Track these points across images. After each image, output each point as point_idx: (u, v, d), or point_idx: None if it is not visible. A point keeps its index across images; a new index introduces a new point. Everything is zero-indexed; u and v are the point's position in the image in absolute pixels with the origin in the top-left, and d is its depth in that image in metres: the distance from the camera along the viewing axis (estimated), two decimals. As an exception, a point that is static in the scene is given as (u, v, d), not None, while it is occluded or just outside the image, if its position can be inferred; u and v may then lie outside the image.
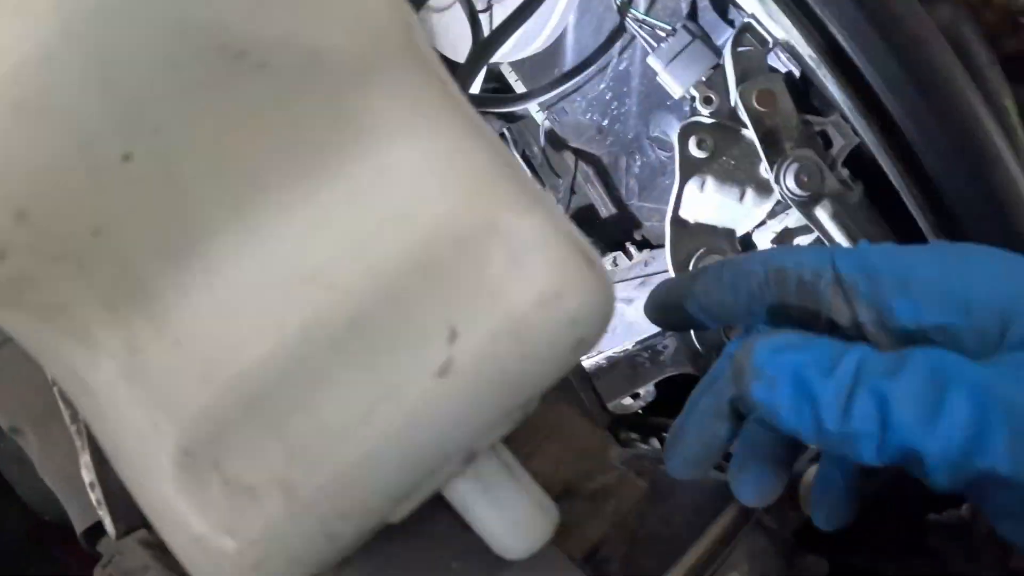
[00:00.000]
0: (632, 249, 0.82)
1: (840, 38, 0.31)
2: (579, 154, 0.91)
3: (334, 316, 0.15)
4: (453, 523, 0.20)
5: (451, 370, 0.15)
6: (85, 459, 0.30)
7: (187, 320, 0.16)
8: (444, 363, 0.15)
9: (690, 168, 0.50)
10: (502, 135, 0.94)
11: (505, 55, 0.73)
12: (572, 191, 0.96)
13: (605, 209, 0.90)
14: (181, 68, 0.13)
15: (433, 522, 0.21)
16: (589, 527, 0.32)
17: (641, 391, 0.57)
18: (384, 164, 0.15)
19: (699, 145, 0.50)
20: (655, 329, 0.65)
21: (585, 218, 0.94)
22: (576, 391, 0.37)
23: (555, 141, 0.91)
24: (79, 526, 0.36)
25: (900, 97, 0.25)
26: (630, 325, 0.69)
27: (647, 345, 0.59)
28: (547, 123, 0.85)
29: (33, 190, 0.14)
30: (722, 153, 0.51)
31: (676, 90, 0.57)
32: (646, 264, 0.78)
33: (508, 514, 0.18)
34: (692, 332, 0.59)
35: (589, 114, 0.85)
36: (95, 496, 0.30)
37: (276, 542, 0.17)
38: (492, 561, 0.21)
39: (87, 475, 0.29)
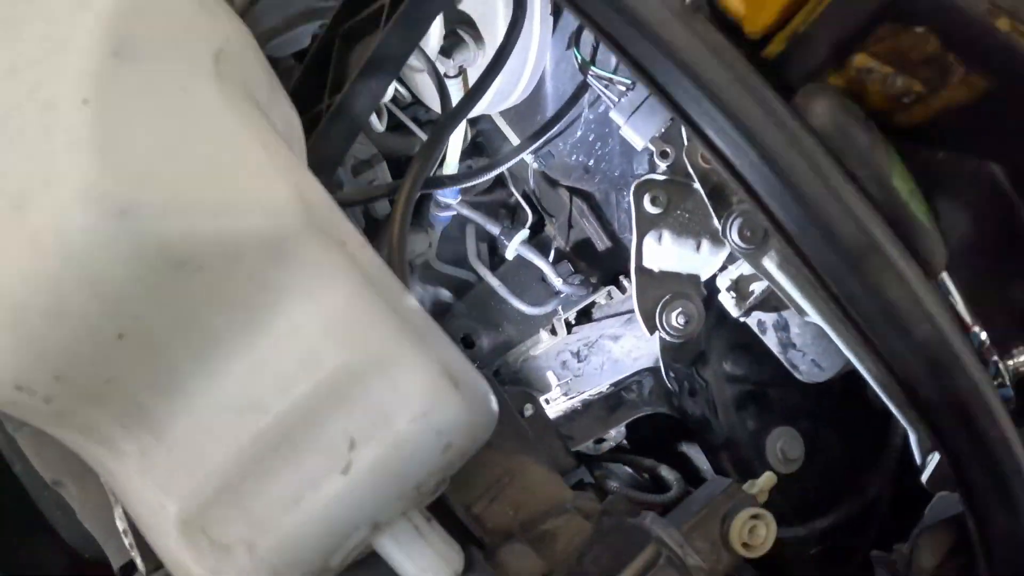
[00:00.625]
0: (625, 283, 0.86)
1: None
2: (572, 191, 0.96)
3: (270, 431, 0.22)
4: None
5: (351, 469, 0.22)
6: (118, 511, 0.38)
7: (176, 434, 0.24)
8: (346, 465, 0.22)
9: (646, 223, 0.56)
10: (501, 177, 1.01)
11: (487, 108, 0.79)
12: (570, 225, 1.01)
13: (601, 243, 0.95)
14: (148, 284, 0.20)
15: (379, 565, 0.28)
16: (536, 563, 0.37)
17: (611, 433, 0.62)
18: (295, 322, 0.22)
19: (653, 201, 0.55)
20: (638, 367, 0.70)
21: (583, 252, 1.00)
22: (535, 444, 0.43)
23: (548, 180, 0.97)
24: (116, 563, 0.43)
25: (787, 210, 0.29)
26: (616, 363, 0.74)
27: (622, 386, 0.64)
28: (535, 165, 0.91)
29: (64, 361, 0.21)
30: (676, 207, 0.56)
31: (637, 142, 0.62)
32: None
33: (417, 562, 0.25)
34: (664, 371, 0.64)
35: (574, 155, 0.91)
36: (128, 540, 0.37)
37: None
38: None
39: (120, 523, 0.36)
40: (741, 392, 0.65)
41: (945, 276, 0.36)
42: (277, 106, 0.32)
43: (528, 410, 0.46)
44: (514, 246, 0.82)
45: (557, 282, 0.83)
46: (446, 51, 0.68)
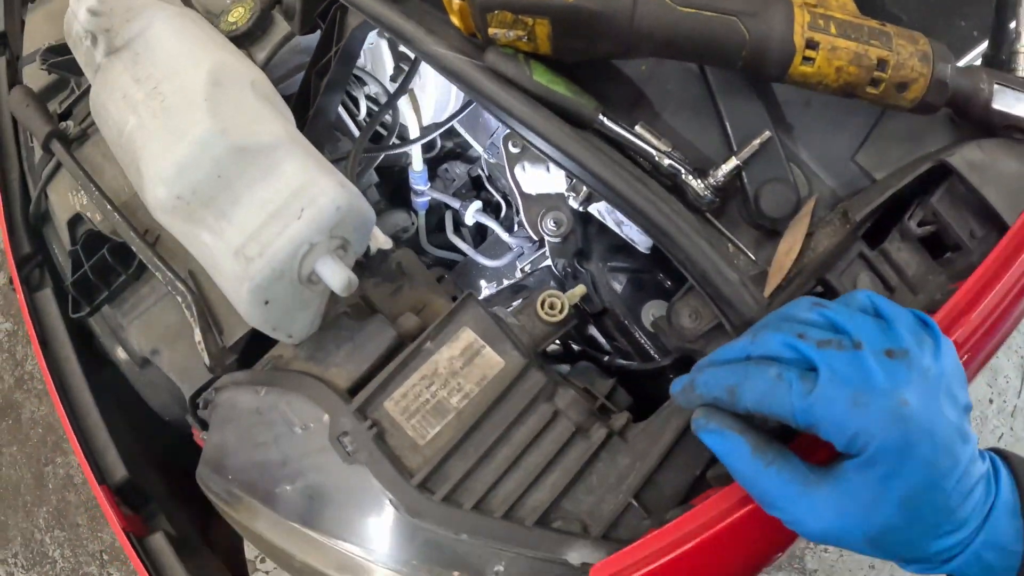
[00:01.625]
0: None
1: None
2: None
3: (271, 216, 0.56)
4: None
5: (302, 218, 0.55)
6: (197, 334, 0.68)
7: (234, 223, 0.56)
8: (299, 218, 0.54)
9: (513, 160, 0.84)
10: (477, 177, 1.30)
11: (435, 118, 1.08)
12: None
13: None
14: (224, 163, 0.54)
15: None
16: (416, 322, 0.65)
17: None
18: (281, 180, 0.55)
19: (514, 144, 0.84)
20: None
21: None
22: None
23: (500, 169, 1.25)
24: (188, 392, 0.73)
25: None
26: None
27: (526, 278, 0.91)
28: (492, 160, 1.20)
29: (198, 183, 0.56)
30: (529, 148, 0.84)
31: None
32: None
33: (331, 270, 0.55)
34: (553, 264, 0.91)
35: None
36: (202, 348, 0.68)
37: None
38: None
39: (197, 336, 0.67)
40: (622, 279, 0.90)
41: (640, 128, 0.61)
42: (285, 112, 0.66)
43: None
44: (471, 214, 1.11)
45: (506, 236, 1.11)
46: (394, 77, 1.00)
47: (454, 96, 1.03)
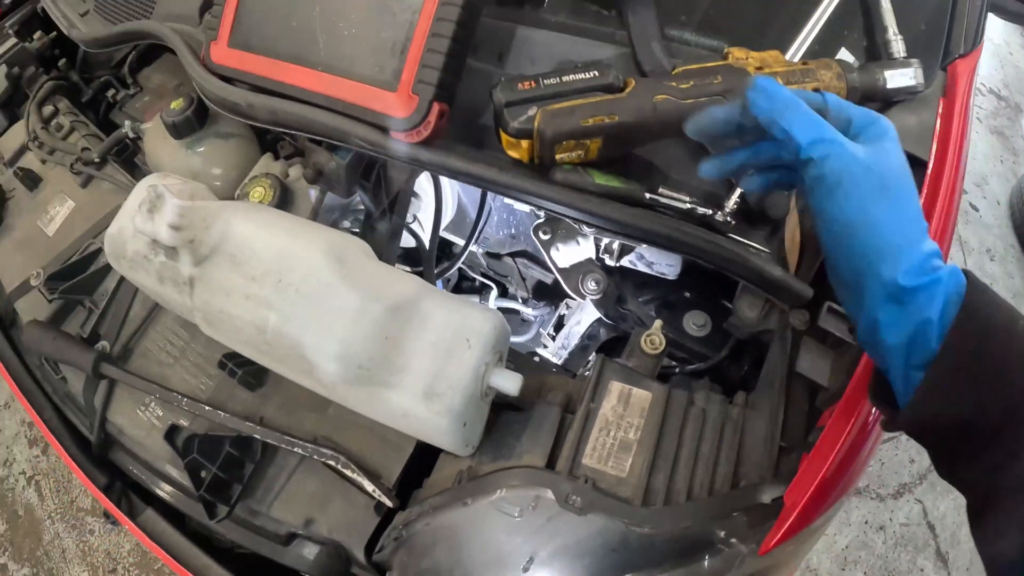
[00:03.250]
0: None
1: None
2: (512, 255, 1.46)
3: (449, 352, 0.71)
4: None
5: (472, 348, 0.70)
6: (367, 485, 0.82)
7: (411, 368, 0.72)
8: (470, 347, 0.69)
9: (546, 245, 1.04)
10: (461, 271, 1.50)
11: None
12: (523, 278, 1.50)
13: (545, 277, 1.44)
14: (385, 327, 0.69)
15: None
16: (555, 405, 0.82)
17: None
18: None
19: (544, 232, 1.05)
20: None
21: (540, 288, 1.48)
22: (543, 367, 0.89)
23: (492, 255, 1.46)
24: (358, 544, 0.86)
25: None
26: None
27: (587, 335, 1.10)
28: (480, 250, 1.40)
29: (371, 348, 0.69)
30: (558, 229, 1.05)
31: (523, 208, 1.12)
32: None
33: (503, 378, 0.71)
34: (604, 316, 1.11)
35: (501, 231, 1.41)
36: (377, 494, 0.81)
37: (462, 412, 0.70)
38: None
39: (368, 487, 0.81)
40: (655, 307, 1.12)
41: (665, 190, 0.83)
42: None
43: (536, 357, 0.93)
44: (493, 301, 1.30)
45: (531, 314, 1.30)
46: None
47: (451, 205, 1.23)
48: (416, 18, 0.77)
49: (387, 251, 0.96)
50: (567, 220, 1.01)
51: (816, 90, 0.78)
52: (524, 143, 0.76)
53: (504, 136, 0.77)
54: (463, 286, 1.53)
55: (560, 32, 0.88)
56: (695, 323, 1.10)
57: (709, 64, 0.77)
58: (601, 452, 0.76)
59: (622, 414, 0.77)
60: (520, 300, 1.37)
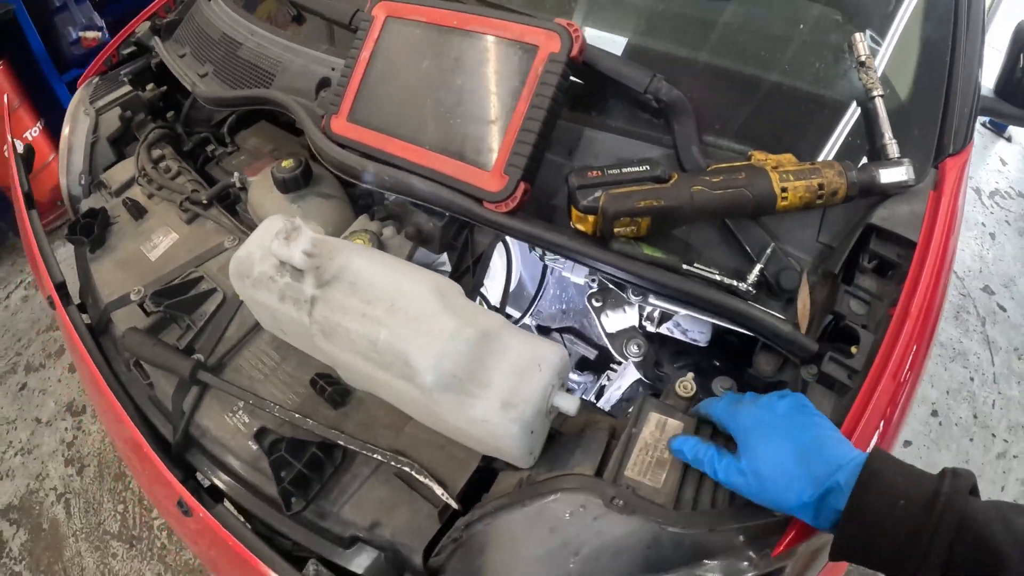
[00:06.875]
0: (613, 366, 1.57)
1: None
2: (560, 330, 1.70)
3: (525, 374, 0.94)
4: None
5: (542, 370, 0.92)
6: (437, 489, 1.03)
7: (492, 384, 0.94)
8: (540, 370, 0.92)
9: (597, 311, 1.29)
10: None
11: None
12: (569, 354, 1.73)
13: (590, 354, 1.67)
14: (475, 345, 0.93)
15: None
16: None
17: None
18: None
19: (596, 300, 1.29)
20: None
21: (582, 362, 1.71)
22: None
23: (542, 329, 1.70)
24: (421, 545, 1.05)
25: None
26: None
27: (628, 395, 1.32)
28: (533, 323, 1.64)
29: (464, 361, 0.93)
30: (608, 297, 1.30)
31: (580, 280, 1.37)
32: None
33: (564, 399, 0.93)
34: (644, 376, 1.33)
35: (553, 306, 1.66)
36: (446, 497, 1.02)
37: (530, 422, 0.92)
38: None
39: (439, 491, 1.02)
40: (688, 371, 1.34)
41: (698, 265, 1.08)
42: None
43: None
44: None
45: (576, 380, 1.52)
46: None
47: (515, 278, 1.48)
48: (510, 117, 1.06)
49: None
50: (615, 290, 1.26)
51: (820, 185, 1.04)
52: (590, 218, 1.02)
53: (574, 211, 1.04)
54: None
55: (619, 135, 1.17)
56: (722, 386, 1.31)
57: (736, 163, 1.04)
58: (641, 467, 0.96)
59: (659, 438, 0.98)
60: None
